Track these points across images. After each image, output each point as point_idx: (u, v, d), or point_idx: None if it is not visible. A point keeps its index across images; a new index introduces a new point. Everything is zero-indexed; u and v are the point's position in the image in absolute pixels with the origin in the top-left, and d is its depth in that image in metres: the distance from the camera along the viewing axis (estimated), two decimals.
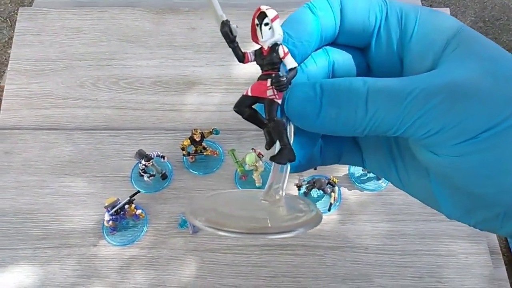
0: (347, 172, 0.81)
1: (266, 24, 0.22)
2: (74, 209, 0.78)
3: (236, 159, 0.77)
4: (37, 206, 0.79)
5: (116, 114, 0.88)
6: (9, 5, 1.80)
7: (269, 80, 0.22)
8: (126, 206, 0.72)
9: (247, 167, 0.76)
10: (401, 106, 0.20)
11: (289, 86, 0.22)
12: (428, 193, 0.24)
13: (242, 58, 0.23)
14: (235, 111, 0.23)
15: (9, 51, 1.52)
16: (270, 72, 0.22)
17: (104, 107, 0.89)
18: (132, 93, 0.90)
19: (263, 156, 0.76)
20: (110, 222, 0.71)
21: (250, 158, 0.74)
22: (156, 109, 0.89)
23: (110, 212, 0.71)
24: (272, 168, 0.24)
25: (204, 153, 0.80)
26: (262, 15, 0.22)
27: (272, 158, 0.23)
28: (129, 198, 0.72)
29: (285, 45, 0.22)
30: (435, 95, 0.19)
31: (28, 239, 0.76)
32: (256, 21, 0.22)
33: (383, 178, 0.80)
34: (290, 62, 0.22)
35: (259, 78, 0.23)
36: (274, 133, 0.23)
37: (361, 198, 0.79)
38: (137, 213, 0.74)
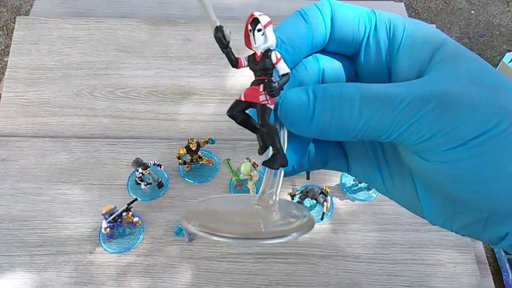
0: (339, 182, 0.84)
1: (259, 30, 0.22)
2: (71, 217, 0.79)
3: (231, 169, 0.79)
4: (33, 213, 0.79)
5: (112, 122, 0.89)
6: (6, 13, 1.80)
7: (261, 86, 0.22)
8: (124, 213, 0.73)
9: (241, 176, 0.78)
10: (395, 112, 0.20)
11: (281, 91, 0.22)
12: (412, 199, 0.25)
13: (235, 63, 0.23)
14: (228, 115, 0.23)
15: (5, 59, 1.53)
16: (263, 78, 0.22)
17: (101, 116, 0.90)
18: (129, 102, 0.91)
19: (257, 166, 0.78)
20: (108, 229, 0.72)
21: (245, 167, 0.76)
22: (152, 118, 0.90)
23: (108, 220, 0.72)
24: (265, 173, 0.24)
25: (200, 162, 0.82)
26: (255, 21, 0.22)
27: (265, 163, 0.23)
28: (126, 205, 0.73)
29: (277, 51, 0.22)
30: (428, 102, 0.20)
31: (25, 246, 0.76)
32: (249, 27, 0.22)
33: (373, 189, 0.82)
34: (282, 68, 0.22)
35: (252, 83, 0.23)
36: (266, 138, 0.23)
37: (352, 207, 0.82)
38: (134, 220, 0.75)
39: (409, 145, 0.21)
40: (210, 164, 0.83)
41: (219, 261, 0.76)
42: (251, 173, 0.77)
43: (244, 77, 0.93)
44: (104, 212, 0.72)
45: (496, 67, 1.85)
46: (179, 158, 0.80)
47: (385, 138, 0.21)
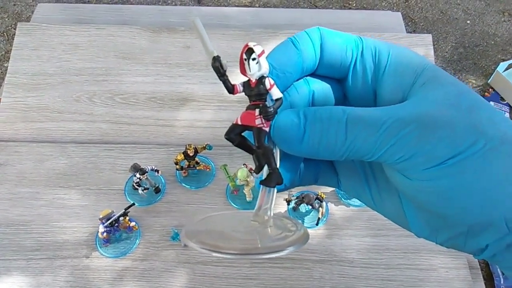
0: (334, 188, 0.85)
1: (254, 59, 0.23)
2: (68, 221, 0.80)
3: (228, 174, 0.80)
4: (30, 218, 0.80)
5: (111, 128, 0.90)
6: (6, 19, 1.82)
7: (257, 110, 0.24)
8: (121, 218, 0.74)
9: (238, 182, 0.79)
10: (377, 133, 0.22)
11: (275, 115, 0.24)
12: (399, 213, 0.26)
13: (231, 89, 0.24)
14: (226, 138, 0.25)
15: (5, 65, 1.54)
16: (257, 103, 0.24)
17: (99, 122, 0.91)
18: (128, 108, 0.93)
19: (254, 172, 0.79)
20: (104, 234, 0.73)
21: (241, 173, 0.77)
22: (151, 124, 0.92)
23: (105, 224, 0.73)
24: (260, 191, 0.26)
25: (197, 168, 0.83)
26: (250, 51, 0.23)
27: (262, 182, 0.25)
28: (124, 210, 0.74)
29: (270, 77, 0.24)
30: (407, 124, 0.22)
31: (22, 250, 0.77)
32: (244, 56, 0.24)
33: None
34: (275, 93, 0.24)
35: (248, 108, 0.25)
36: (263, 158, 0.24)
37: (347, 213, 0.82)
38: (130, 225, 0.76)
39: (392, 164, 0.23)
40: (207, 169, 0.84)
41: (215, 265, 0.76)
42: (248, 179, 0.78)
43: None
44: (101, 216, 0.73)
45: (490, 77, 1.87)
46: (176, 163, 0.81)
47: (369, 158, 0.23)
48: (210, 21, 1.07)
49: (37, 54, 0.97)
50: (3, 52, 1.70)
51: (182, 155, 0.80)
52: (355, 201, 0.83)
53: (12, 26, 1.79)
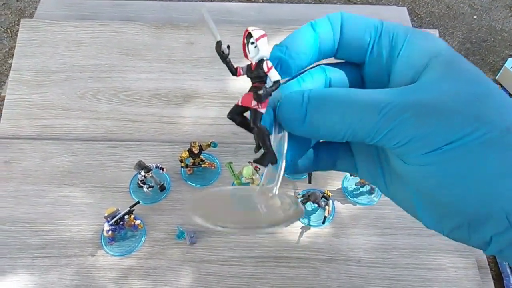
0: (341, 186, 0.84)
1: (252, 43, 0.24)
2: (73, 219, 0.79)
3: (233, 172, 0.79)
4: (36, 216, 0.79)
5: (115, 125, 0.90)
6: (10, 15, 1.82)
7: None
8: (126, 216, 0.73)
9: (243, 180, 0.78)
10: (376, 118, 0.22)
11: (269, 97, 0.24)
12: (409, 201, 0.26)
13: (234, 72, 0.25)
14: (228, 118, 0.26)
15: (9, 61, 1.54)
16: (258, 85, 0.25)
17: (104, 119, 0.90)
18: (132, 105, 0.92)
19: (259, 170, 0.78)
20: (110, 232, 0.72)
21: (247, 171, 0.76)
22: (155, 121, 0.91)
23: (110, 223, 0.72)
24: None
25: (202, 166, 0.82)
26: (249, 35, 0.24)
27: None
28: (129, 208, 0.74)
29: (270, 61, 0.25)
30: (406, 110, 0.22)
31: (27, 248, 0.76)
32: (245, 40, 0.25)
33: (375, 193, 0.82)
34: (273, 76, 0.25)
35: (249, 90, 0.25)
36: (258, 138, 0.25)
37: (354, 212, 0.82)
38: (136, 223, 0.75)
39: (391, 149, 0.23)
40: (212, 167, 0.83)
41: (220, 264, 0.76)
42: (253, 177, 0.77)
43: (246, 81, 0.93)
44: (106, 215, 0.72)
45: (498, 72, 1.85)
46: (181, 161, 0.81)
47: (369, 141, 0.23)
48: (214, 17, 1.05)
49: (40, 50, 0.96)
50: (7, 49, 1.70)
51: (187, 153, 0.80)
52: (362, 200, 0.82)
53: (16, 22, 1.79)
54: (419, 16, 2.05)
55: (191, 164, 0.82)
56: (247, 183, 0.80)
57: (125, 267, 0.75)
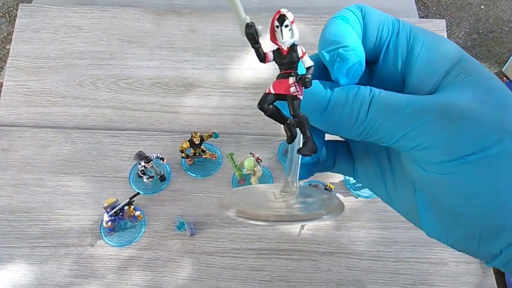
0: (343, 179, 0.83)
1: (286, 26, 0.23)
2: (72, 209, 0.78)
3: (234, 163, 0.78)
4: (34, 205, 0.79)
5: (115, 114, 0.89)
6: (8, 0, 1.79)
7: (291, 78, 0.23)
8: (126, 207, 0.73)
9: (245, 171, 0.77)
10: (397, 117, 0.21)
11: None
12: (412, 209, 0.26)
13: (263, 58, 0.24)
14: (259, 108, 0.24)
15: (7, 47, 1.51)
16: (289, 71, 0.24)
17: (103, 107, 0.89)
18: (132, 94, 0.90)
19: (261, 161, 0.77)
20: (109, 223, 0.72)
21: (248, 162, 0.75)
22: (155, 110, 0.89)
23: (110, 213, 0.71)
24: (287, 162, 0.26)
25: (203, 156, 0.81)
26: (282, 18, 0.23)
27: (300, 151, 0.24)
28: (128, 199, 0.73)
29: (302, 47, 0.23)
30: (429, 112, 0.21)
31: (26, 237, 0.76)
32: (276, 23, 0.23)
33: None
34: (307, 61, 0.23)
35: (278, 77, 0.24)
36: (299, 127, 0.24)
37: (355, 204, 0.81)
38: (135, 214, 0.74)
39: (408, 151, 0.22)
40: (213, 158, 0.82)
41: (220, 256, 0.75)
42: (255, 168, 0.76)
43: (248, 70, 0.91)
44: (105, 205, 0.72)
45: (505, 64, 1.82)
46: (182, 151, 0.79)
47: (386, 142, 0.23)
48: (216, 3, 1.04)
49: (39, 36, 0.94)
50: (5, 34, 1.67)
51: (188, 143, 0.78)
52: (364, 192, 0.81)
53: (14, 6, 1.75)
54: (425, 5, 2.02)
55: (192, 154, 0.81)
56: (248, 175, 0.78)
57: (125, 257, 0.75)
